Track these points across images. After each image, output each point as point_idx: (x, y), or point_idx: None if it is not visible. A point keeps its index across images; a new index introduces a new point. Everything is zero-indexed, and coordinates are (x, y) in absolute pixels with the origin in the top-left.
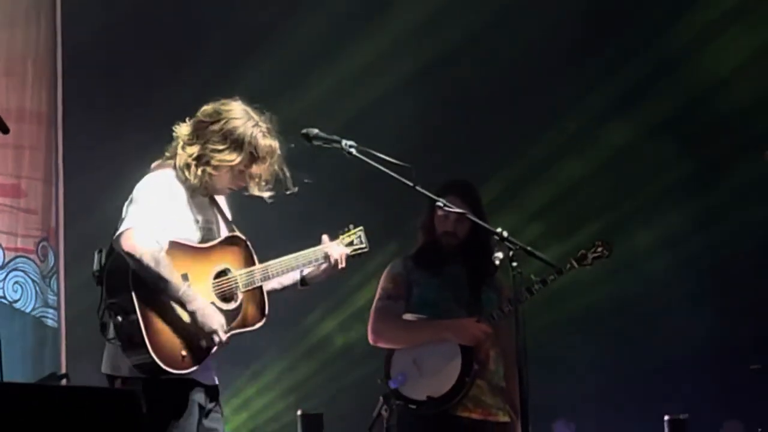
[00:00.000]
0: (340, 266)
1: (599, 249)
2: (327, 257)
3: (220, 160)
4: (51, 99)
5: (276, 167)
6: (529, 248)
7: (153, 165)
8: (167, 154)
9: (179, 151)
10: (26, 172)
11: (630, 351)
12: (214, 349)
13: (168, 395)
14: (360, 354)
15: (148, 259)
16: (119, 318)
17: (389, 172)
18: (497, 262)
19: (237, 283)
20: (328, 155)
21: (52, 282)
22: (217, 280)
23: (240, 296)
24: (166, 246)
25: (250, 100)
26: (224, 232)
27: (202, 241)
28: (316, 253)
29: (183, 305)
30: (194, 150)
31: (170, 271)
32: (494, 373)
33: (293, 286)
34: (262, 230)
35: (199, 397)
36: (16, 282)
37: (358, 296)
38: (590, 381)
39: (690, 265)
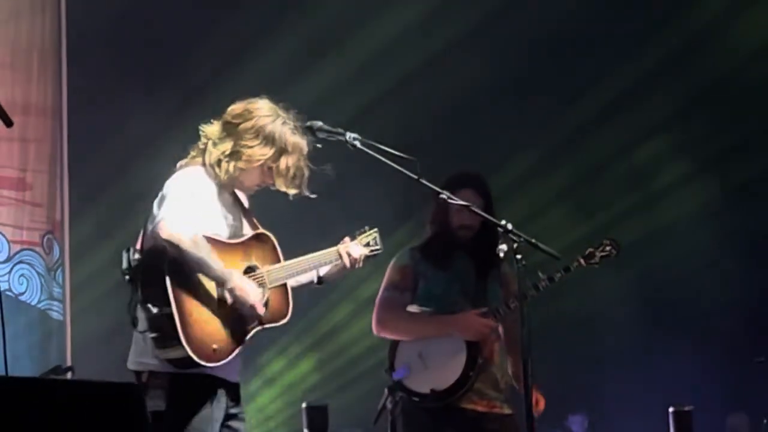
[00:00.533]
0: (357, 266)
1: (607, 248)
2: (348, 255)
3: (250, 156)
4: (56, 91)
5: (302, 163)
6: (533, 240)
7: (179, 164)
8: (193, 153)
9: (210, 148)
10: (32, 164)
11: (635, 343)
12: (250, 334)
13: (194, 390)
14: (365, 347)
15: (187, 244)
16: (153, 311)
17: (394, 165)
18: (501, 255)
19: (264, 279)
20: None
21: (57, 275)
22: (245, 276)
23: (267, 292)
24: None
25: (257, 92)
26: (247, 230)
27: (230, 237)
28: (337, 252)
29: (222, 284)
30: (226, 147)
31: (209, 252)
32: (499, 366)
33: (309, 284)
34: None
35: (222, 393)
36: (21, 275)
37: (364, 289)
38: (594, 373)
39: (696, 258)
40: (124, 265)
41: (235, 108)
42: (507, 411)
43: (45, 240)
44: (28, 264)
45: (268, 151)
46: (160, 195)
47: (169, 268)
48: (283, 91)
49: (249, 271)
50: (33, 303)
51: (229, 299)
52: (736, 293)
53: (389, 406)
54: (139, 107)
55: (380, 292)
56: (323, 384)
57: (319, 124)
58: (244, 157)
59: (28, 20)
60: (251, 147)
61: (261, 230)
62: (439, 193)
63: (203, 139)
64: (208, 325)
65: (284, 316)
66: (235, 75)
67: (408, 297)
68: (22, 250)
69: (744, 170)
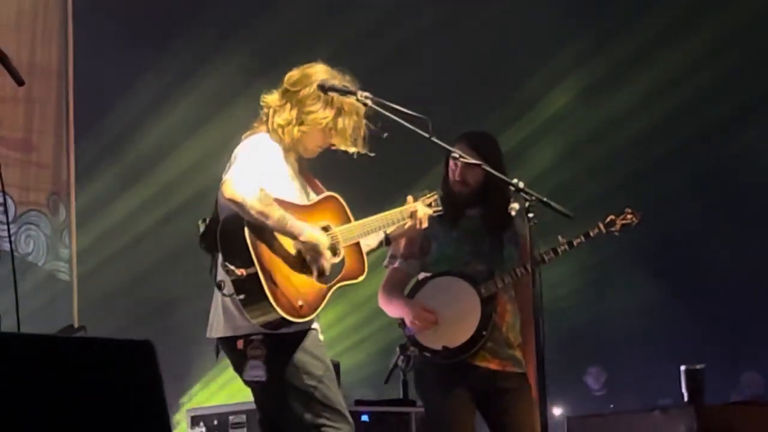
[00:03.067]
0: (424, 225)
1: (629, 216)
2: (413, 215)
3: (314, 119)
4: (61, 51)
5: (360, 123)
6: (545, 199)
7: (244, 135)
8: (255, 124)
9: (272, 117)
10: (37, 125)
11: (650, 302)
12: (332, 290)
13: (301, 342)
14: (375, 307)
15: (251, 201)
16: (238, 271)
17: (405, 123)
18: (513, 213)
19: (338, 238)
20: None
21: (63, 236)
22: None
23: (342, 251)
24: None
25: (268, 52)
26: (313, 195)
27: (299, 200)
28: (403, 212)
29: (296, 238)
30: (289, 114)
31: (275, 207)
32: (511, 326)
33: (378, 247)
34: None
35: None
36: (28, 235)
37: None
38: (608, 332)
39: (709, 215)
40: (201, 232)
41: (293, 75)
42: (519, 369)
43: (51, 201)
44: (35, 225)
45: (330, 113)
46: (228, 163)
47: (248, 227)
48: (297, 50)
49: (323, 231)
50: (40, 264)
51: (303, 252)
52: (755, 247)
53: (401, 365)
54: (148, 66)
55: (387, 259)
56: (334, 343)
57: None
58: (307, 122)
59: None
60: (314, 111)
61: (329, 192)
62: (451, 152)
63: (264, 109)
64: (291, 281)
65: (360, 274)
66: (247, 34)
67: (414, 264)
68: (28, 210)
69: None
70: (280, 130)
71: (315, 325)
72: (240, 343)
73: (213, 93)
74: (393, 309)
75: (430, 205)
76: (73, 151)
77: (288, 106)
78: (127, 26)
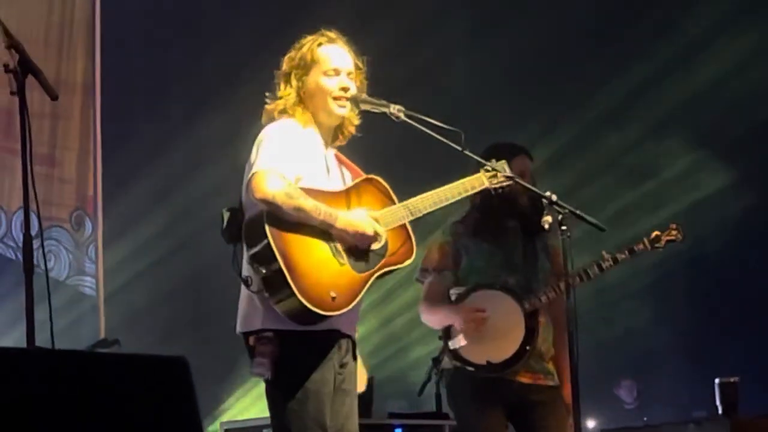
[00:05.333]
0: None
1: (673, 232)
2: (473, 189)
3: (297, 66)
4: (88, 68)
5: (353, 74)
6: (578, 212)
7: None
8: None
9: (279, 101)
10: (60, 141)
11: (684, 314)
12: (371, 279)
13: (306, 348)
14: (409, 319)
15: (282, 199)
16: (263, 269)
17: (437, 137)
18: (546, 226)
19: (378, 222)
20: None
21: (89, 250)
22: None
23: (384, 236)
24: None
25: None
26: (348, 178)
27: (333, 186)
28: (458, 187)
29: (329, 227)
30: (289, 90)
31: (305, 199)
32: (544, 338)
33: None
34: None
35: (335, 349)
36: (49, 251)
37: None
38: (643, 345)
39: (742, 228)
40: (224, 225)
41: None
42: (551, 382)
43: (74, 216)
44: (56, 240)
45: (295, 55)
46: (255, 145)
47: (268, 221)
48: None
49: None
50: (61, 279)
51: (343, 240)
52: None
53: (434, 378)
54: (176, 84)
55: (419, 272)
56: (368, 356)
57: (363, 95)
58: (303, 93)
59: None
60: (293, 65)
61: (369, 175)
62: (483, 164)
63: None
64: (322, 273)
65: (407, 258)
66: (277, 49)
67: (448, 276)
68: (50, 226)
69: None
70: (291, 111)
71: (342, 320)
72: (251, 340)
73: (244, 108)
74: (438, 318)
75: (495, 176)
76: (100, 166)
77: (287, 84)
78: (157, 42)
